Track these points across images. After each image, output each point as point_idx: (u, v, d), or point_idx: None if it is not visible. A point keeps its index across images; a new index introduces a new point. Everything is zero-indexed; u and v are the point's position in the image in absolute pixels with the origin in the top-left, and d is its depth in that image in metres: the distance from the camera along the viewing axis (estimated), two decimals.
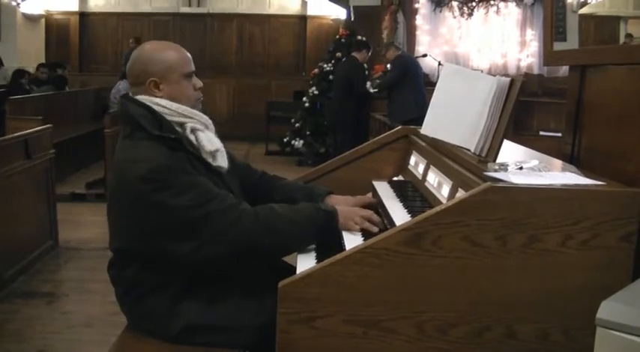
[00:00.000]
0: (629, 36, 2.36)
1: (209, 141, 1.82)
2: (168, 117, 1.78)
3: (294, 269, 1.73)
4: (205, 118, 1.86)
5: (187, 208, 1.67)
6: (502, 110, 1.81)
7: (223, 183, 1.85)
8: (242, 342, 1.79)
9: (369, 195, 2.23)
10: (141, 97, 1.81)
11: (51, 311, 3.46)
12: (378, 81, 7.43)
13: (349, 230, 1.87)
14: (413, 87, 6.72)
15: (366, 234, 1.84)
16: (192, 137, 1.80)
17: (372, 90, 7.44)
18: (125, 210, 1.75)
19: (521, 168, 1.67)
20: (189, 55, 1.89)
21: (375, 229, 1.88)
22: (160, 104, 1.79)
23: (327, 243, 1.84)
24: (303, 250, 1.82)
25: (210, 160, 1.82)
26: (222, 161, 1.86)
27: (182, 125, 1.80)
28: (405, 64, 6.88)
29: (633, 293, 1.28)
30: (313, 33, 11.73)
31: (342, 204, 2.05)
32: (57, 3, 11.65)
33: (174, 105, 1.80)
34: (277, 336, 1.52)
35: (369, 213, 1.96)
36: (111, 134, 5.97)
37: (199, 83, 1.90)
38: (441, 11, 10.23)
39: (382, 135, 2.62)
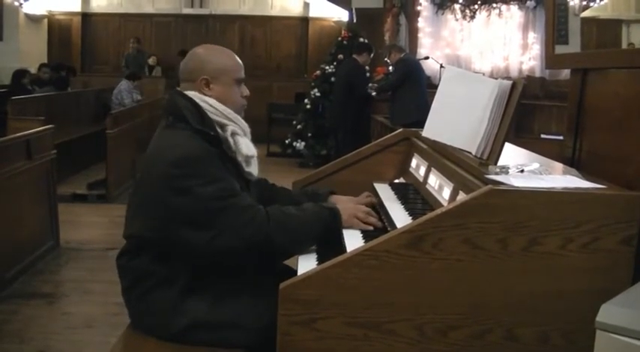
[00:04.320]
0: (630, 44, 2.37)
1: (247, 146, 1.87)
2: (212, 116, 1.83)
3: (296, 272, 1.73)
4: (245, 125, 1.92)
5: (210, 198, 1.71)
6: (503, 113, 1.81)
7: (249, 189, 1.91)
8: (244, 342, 1.79)
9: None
10: (190, 93, 1.86)
11: (51, 312, 3.46)
12: (380, 83, 7.40)
13: (353, 227, 1.90)
14: (415, 90, 6.67)
15: (367, 235, 1.85)
16: (231, 140, 1.85)
17: (372, 93, 7.43)
18: (150, 192, 1.79)
19: (522, 171, 1.67)
20: (241, 62, 1.96)
21: (379, 224, 1.90)
22: (208, 102, 1.85)
23: (329, 243, 1.86)
24: (310, 249, 1.85)
25: (243, 165, 1.87)
26: (254, 168, 1.92)
27: (223, 127, 1.85)
28: (407, 68, 6.83)
29: (633, 297, 1.28)
30: (315, 35, 11.73)
31: (344, 204, 2.09)
32: (59, 3, 11.67)
33: (220, 107, 1.85)
34: (278, 338, 1.52)
35: (368, 209, 2.02)
36: (112, 135, 5.99)
37: (246, 91, 1.96)
38: (443, 14, 10.24)
39: (383, 138, 2.62)
